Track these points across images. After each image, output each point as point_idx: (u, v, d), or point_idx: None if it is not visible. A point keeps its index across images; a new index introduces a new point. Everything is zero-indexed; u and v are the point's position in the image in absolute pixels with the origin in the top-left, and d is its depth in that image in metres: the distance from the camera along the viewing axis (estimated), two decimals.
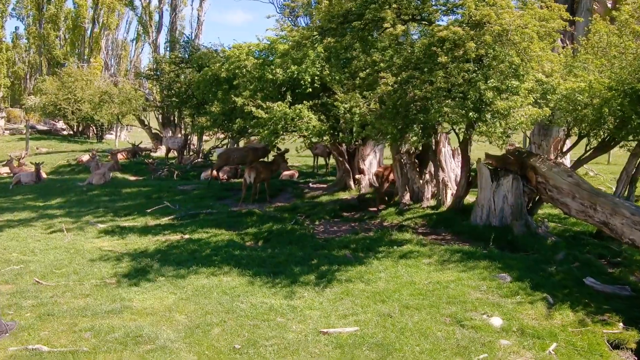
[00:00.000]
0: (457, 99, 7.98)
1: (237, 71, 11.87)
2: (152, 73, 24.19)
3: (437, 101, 8.03)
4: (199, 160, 22.01)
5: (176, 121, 27.39)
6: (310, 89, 11.13)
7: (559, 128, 14.47)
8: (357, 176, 15.42)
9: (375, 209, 14.21)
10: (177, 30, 28.63)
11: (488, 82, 7.98)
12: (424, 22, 9.29)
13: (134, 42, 45.75)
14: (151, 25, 31.19)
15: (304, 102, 10.60)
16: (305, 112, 10.36)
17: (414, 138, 8.81)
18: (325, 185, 17.33)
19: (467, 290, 7.52)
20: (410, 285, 7.76)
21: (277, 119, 10.20)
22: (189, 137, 22.71)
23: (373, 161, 15.87)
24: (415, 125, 8.82)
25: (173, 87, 22.29)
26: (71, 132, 35.35)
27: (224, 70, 12.74)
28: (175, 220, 12.88)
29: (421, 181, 13.47)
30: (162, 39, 30.02)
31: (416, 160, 13.66)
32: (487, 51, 8.04)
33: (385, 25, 8.69)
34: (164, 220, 12.87)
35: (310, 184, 17.27)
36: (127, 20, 53.71)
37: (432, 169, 13.54)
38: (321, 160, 20.72)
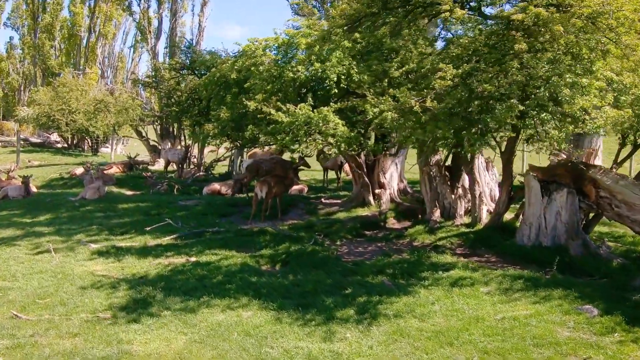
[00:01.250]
0: (532, 96, 6.57)
1: (252, 69, 10.45)
2: (150, 81, 22.79)
3: (508, 97, 6.62)
4: (201, 173, 20.53)
5: (175, 132, 25.92)
6: (336, 90, 9.72)
7: (592, 137, 13.15)
8: (377, 191, 13.98)
9: (399, 226, 12.80)
10: (177, 36, 27.28)
11: (564, 76, 6.60)
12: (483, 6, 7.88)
13: (132, 49, 44.41)
14: (150, 32, 29.79)
15: (331, 104, 9.20)
16: (330, 116, 8.94)
17: (471, 144, 7.31)
18: (339, 201, 15.86)
19: (552, 327, 6.06)
20: (478, 322, 6.29)
21: (300, 124, 8.77)
22: (190, 148, 21.26)
23: (394, 174, 14.44)
24: (475, 129, 7.39)
25: (173, 96, 20.88)
26: (65, 145, 33.79)
27: (235, 71, 11.33)
28: (178, 239, 11.37)
29: (453, 196, 12.04)
30: (162, 46, 28.65)
31: (447, 173, 12.24)
32: (569, 40, 6.64)
33: (444, 7, 7.28)
34: (166, 239, 11.36)
35: (322, 199, 15.79)
36: (124, 31, 52.52)
37: (465, 183, 12.13)
38: (331, 174, 19.28)
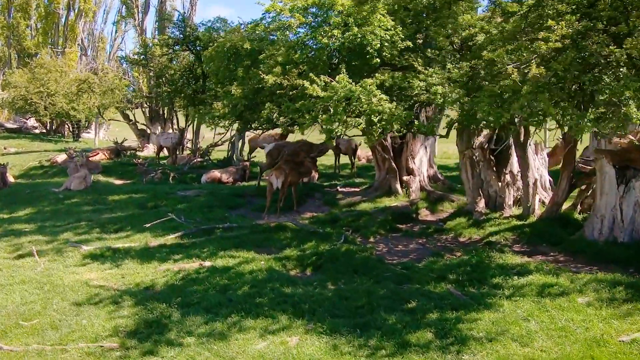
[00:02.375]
0: None
1: (277, 34, 8.94)
2: (139, 58, 21.04)
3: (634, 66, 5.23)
4: (198, 160, 18.95)
5: (166, 115, 24.25)
6: (378, 59, 8.24)
7: None
8: (405, 178, 12.59)
9: (433, 218, 11.47)
10: (167, 10, 25.39)
11: None
12: None
13: (114, 27, 41.77)
14: (137, 6, 27.79)
15: (377, 75, 7.74)
16: (374, 89, 7.48)
17: (589, 125, 5.84)
18: (358, 189, 14.46)
19: None
20: (600, 347, 4.99)
21: (340, 99, 7.30)
22: (185, 132, 19.63)
23: (423, 159, 13.05)
24: (578, 102, 5.98)
25: (165, 74, 19.20)
26: (44, 130, 31.85)
27: (248, 40, 9.79)
28: (184, 238, 9.89)
29: (499, 183, 10.69)
30: (150, 21, 26.56)
31: (492, 157, 10.87)
32: None
33: None
34: (170, 238, 9.88)
35: (338, 188, 14.37)
36: (104, 10, 50.17)
37: (514, 168, 10.78)
38: (343, 159, 17.82)
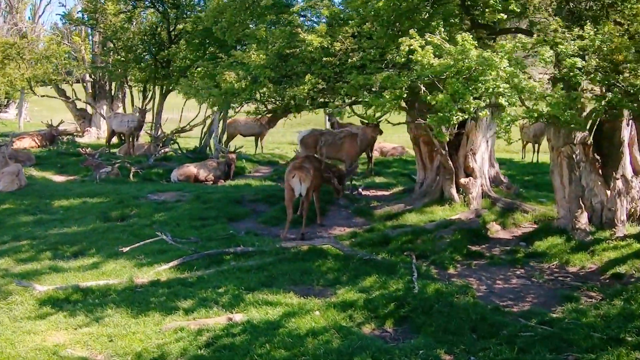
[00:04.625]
0: None
1: None
2: (82, 19, 18.42)
3: None
4: (165, 150, 16.61)
5: (114, 92, 21.65)
6: (516, 8, 6.34)
7: None
8: (463, 180, 10.78)
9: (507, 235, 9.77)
10: None
11: None
12: None
13: None
14: None
15: (508, 37, 5.88)
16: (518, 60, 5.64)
17: None
18: (387, 192, 12.62)
19: None
20: None
21: (463, 70, 5.38)
22: (145, 114, 17.16)
23: (484, 156, 11.28)
24: None
25: (119, 38, 16.72)
26: None
27: None
28: (183, 270, 7.81)
29: (607, 192, 9.02)
30: None
31: (597, 157, 9.18)
32: None
33: None
34: (162, 270, 7.77)
35: (360, 190, 12.45)
36: None
37: (627, 172, 9.14)
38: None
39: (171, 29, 16.60)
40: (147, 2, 16.39)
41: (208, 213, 10.67)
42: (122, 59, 17.17)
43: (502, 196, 11.02)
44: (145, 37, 16.57)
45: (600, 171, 9.19)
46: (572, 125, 6.61)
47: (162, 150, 16.38)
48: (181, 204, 11.45)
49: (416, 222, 10.13)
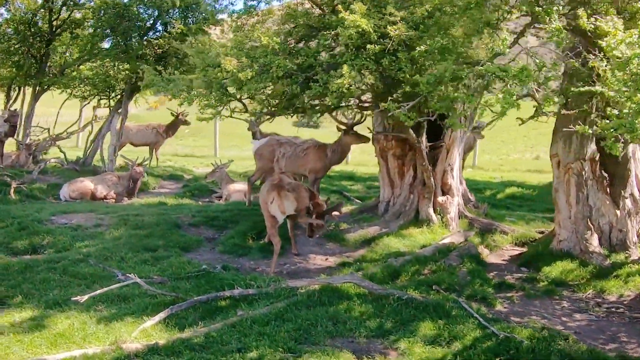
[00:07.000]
0: None
1: None
2: None
3: None
4: (51, 160, 13.59)
5: None
6: None
7: None
8: (441, 199, 9.73)
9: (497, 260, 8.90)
10: None
11: None
12: None
13: None
14: None
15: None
16: None
17: None
18: (347, 211, 11.14)
19: None
20: None
21: None
22: (17, 117, 13.85)
23: (457, 171, 10.33)
24: None
25: None
26: None
27: None
28: (174, 326, 5.80)
29: (617, 212, 8.47)
30: None
31: (604, 174, 8.60)
32: None
33: None
34: (148, 325, 5.70)
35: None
36: None
37: (635, 190, 8.66)
38: None
39: (53, 18, 13.80)
40: None
41: (152, 242, 8.45)
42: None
43: (475, 215, 10.16)
44: (22, 26, 13.53)
45: (608, 190, 8.63)
46: None
47: (47, 161, 13.42)
48: (107, 231, 9.08)
49: (399, 247, 8.88)
